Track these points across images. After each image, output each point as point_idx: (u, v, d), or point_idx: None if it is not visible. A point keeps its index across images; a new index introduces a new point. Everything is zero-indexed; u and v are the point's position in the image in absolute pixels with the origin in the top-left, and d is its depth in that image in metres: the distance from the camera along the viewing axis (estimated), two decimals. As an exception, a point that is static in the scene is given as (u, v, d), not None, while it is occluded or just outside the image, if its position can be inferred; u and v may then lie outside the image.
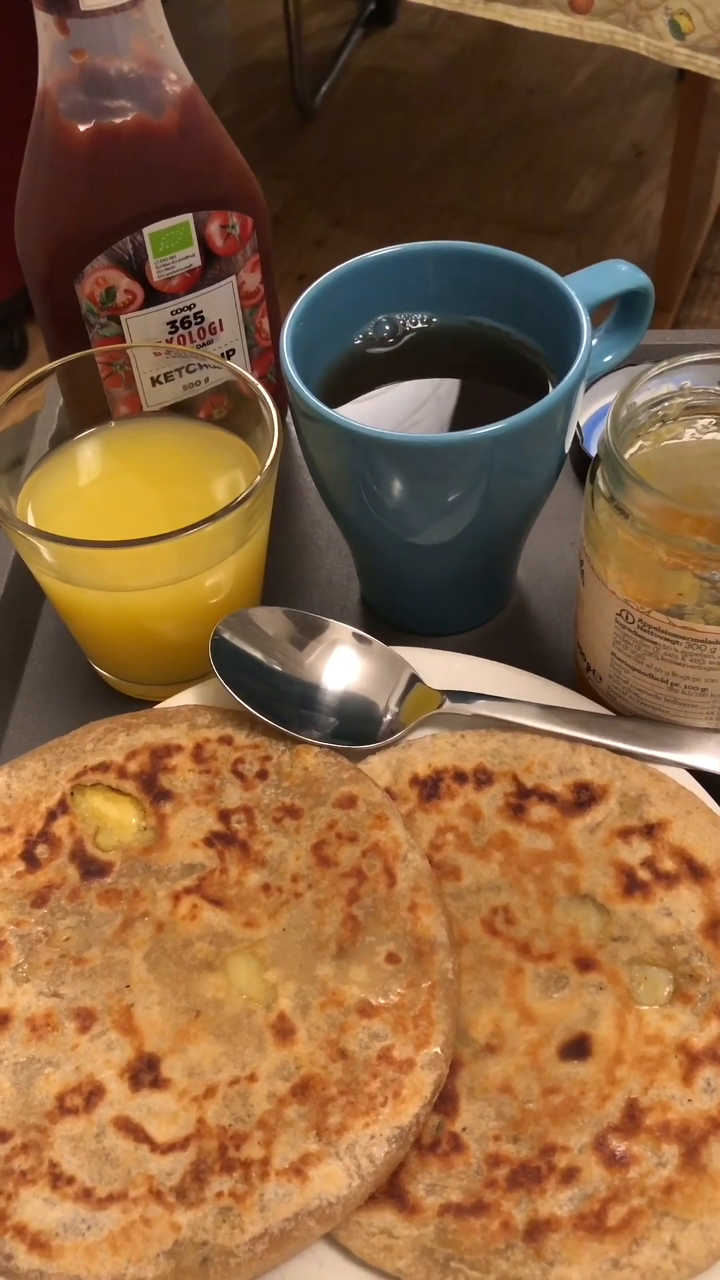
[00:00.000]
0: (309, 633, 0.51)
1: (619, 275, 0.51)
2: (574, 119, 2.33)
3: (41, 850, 0.46)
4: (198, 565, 0.49)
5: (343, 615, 0.58)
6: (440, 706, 0.50)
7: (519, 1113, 0.40)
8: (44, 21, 0.48)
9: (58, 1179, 0.39)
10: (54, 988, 0.43)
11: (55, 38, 0.48)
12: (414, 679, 0.51)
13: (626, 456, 0.45)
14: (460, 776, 0.48)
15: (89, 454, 0.55)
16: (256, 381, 0.51)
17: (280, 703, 0.49)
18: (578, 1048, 0.41)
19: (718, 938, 0.43)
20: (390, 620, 0.58)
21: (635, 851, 0.45)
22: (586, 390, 0.60)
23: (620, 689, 0.49)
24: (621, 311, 0.54)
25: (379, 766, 0.48)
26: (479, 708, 0.49)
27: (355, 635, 0.51)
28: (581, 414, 0.63)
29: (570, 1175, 0.38)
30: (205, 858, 0.46)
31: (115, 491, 0.55)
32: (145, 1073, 0.41)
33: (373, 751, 0.49)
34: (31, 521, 0.51)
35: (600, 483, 0.45)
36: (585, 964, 0.43)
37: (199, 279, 0.55)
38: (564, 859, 0.45)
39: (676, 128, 1.73)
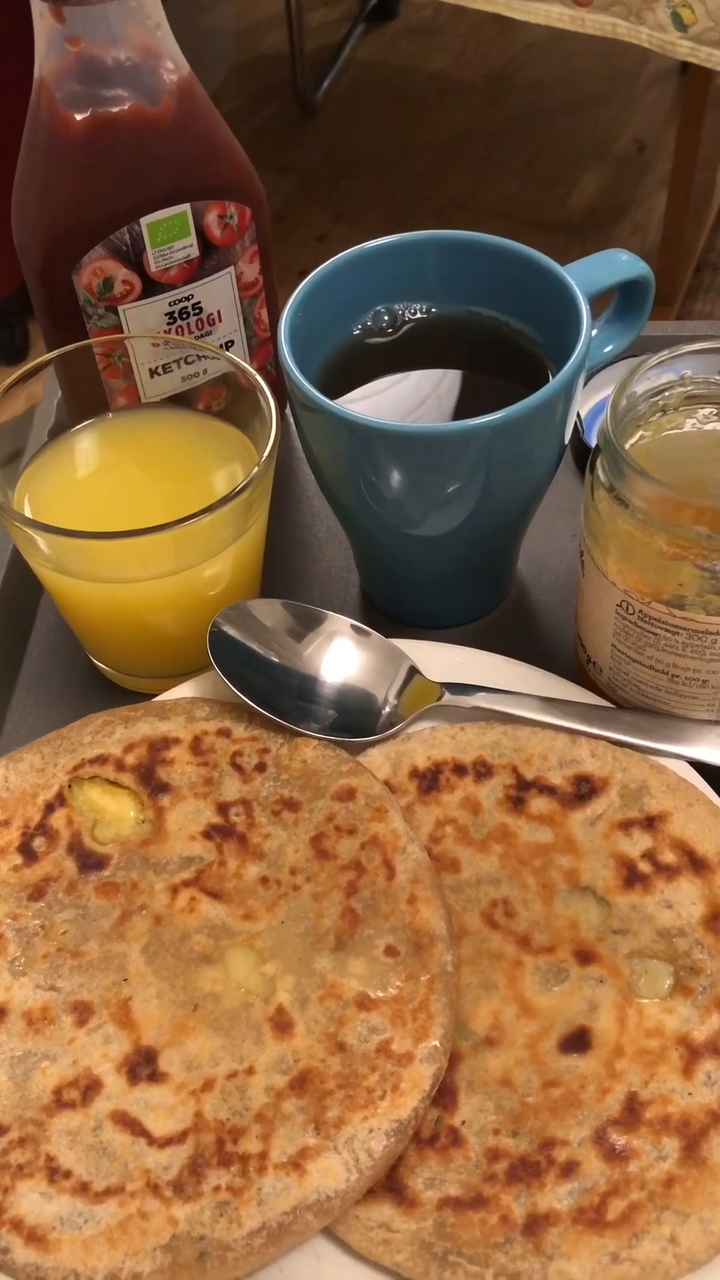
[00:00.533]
0: (307, 625, 0.51)
1: (619, 264, 0.51)
2: (577, 113, 2.32)
3: (39, 843, 0.46)
4: (195, 557, 0.48)
5: (342, 607, 0.58)
6: (440, 699, 0.49)
7: (518, 1106, 0.40)
8: (40, 9, 0.47)
9: (55, 1173, 0.39)
10: (51, 981, 0.43)
11: (51, 25, 0.48)
12: (413, 671, 0.50)
13: (627, 446, 0.44)
14: (460, 769, 0.47)
15: (86, 446, 0.55)
16: (255, 373, 0.51)
17: (279, 695, 0.49)
18: (578, 1041, 0.41)
19: (718, 930, 0.43)
20: (389, 612, 0.58)
21: (636, 844, 0.45)
22: (587, 381, 0.60)
23: (620, 681, 0.49)
24: (622, 301, 0.54)
25: (378, 759, 0.48)
26: (479, 700, 0.49)
27: (354, 627, 0.51)
28: (582, 405, 0.63)
29: (570, 1169, 0.38)
30: (203, 850, 0.45)
31: (113, 483, 0.54)
32: (143, 1066, 0.41)
33: (372, 744, 0.49)
34: (29, 513, 0.51)
35: (600, 473, 0.44)
36: (585, 957, 0.43)
37: (197, 269, 0.55)
38: (564, 851, 0.45)
39: (679, 122, 1.73)
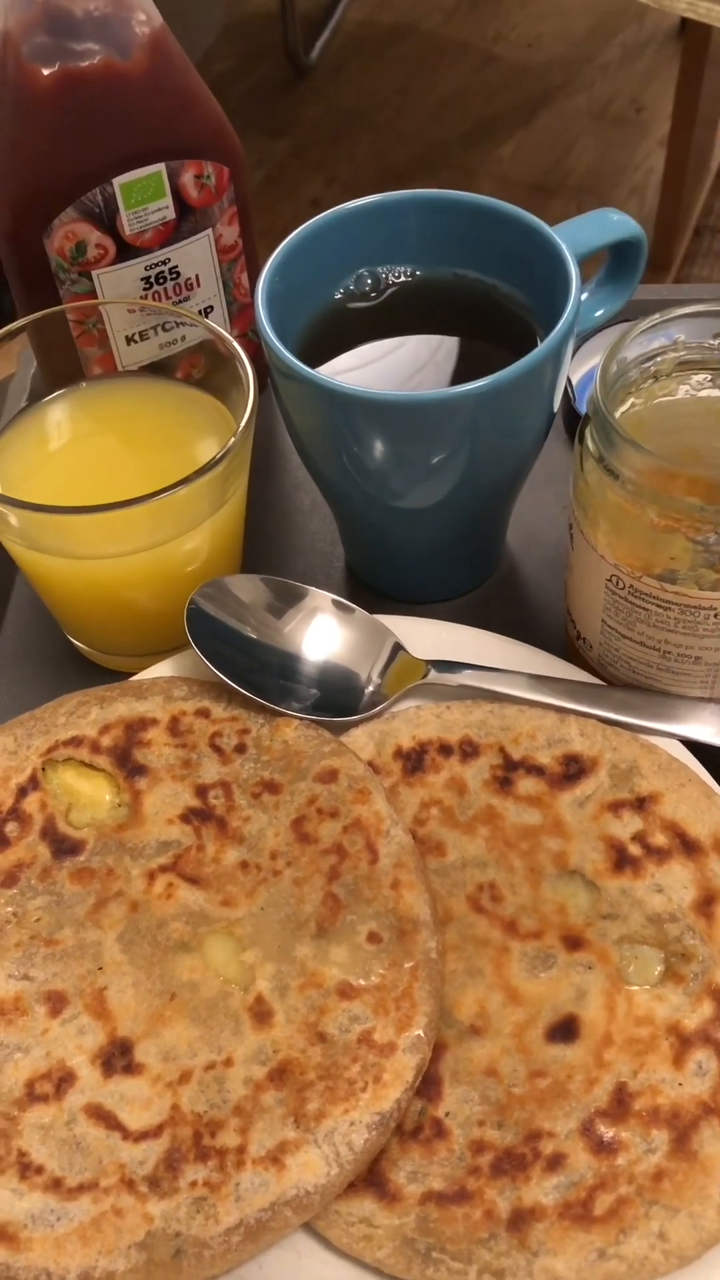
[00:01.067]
0: (288, 601, 0.49)
1: (609, 224, 0.49)
2: (573, 74, 2.28)
3: (11, 828, 0.45)
4: (172, 531, 0.47)
5: (326, 582, 0.56)
6: (425, 676, 0.48)
7: (504, 1097, 0.39)
8: (3, -42, 0.45)
9: (26, 1168, 0.38)
10: (24, 970, 0.41)
11: (15, -25, 0.45)
12: (398, 648, 0.49)
13: (617, 415, 0.42)
14: (445, 749, 0.46)
15: (59, 416, 0.53)
16: (233, 340, 0.49)
17: (259, 674, 0.47)
18: (565, 1029, 0.40)
19: (710, 915, 0.41)
20: (375, 587, 0.56)
21: (626, 826, 0.44)
22: (577, 347, 0.58)
23: (611, 657, 0.47)
24: (613, 263, 0.52)
25: (361, 739, 0.47)
26: (465, 678, 0.48)
27: (336, 603, 0.49)
28: (573, 371, 0.61)
29: (556, 1162, 0.37)
30: (181, 835, 0.44)
31: (87, 455, 0.53)
32: (118, 1058, 0.39)
33: (355, 724, 0.47)
34: (-1, 487, 0.49)
35: (590, 443, 0.43)
36: (573, 942, 0.41)
37: (173, 232, 0.53)
38: (552, 833, 0.44)
39: (677, 82, 1.69)
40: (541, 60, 2.32)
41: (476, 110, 2.23)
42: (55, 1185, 0.37)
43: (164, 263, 0.53)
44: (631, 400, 0.44)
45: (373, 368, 0.50)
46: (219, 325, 0.53)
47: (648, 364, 0.44)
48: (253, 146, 2.11)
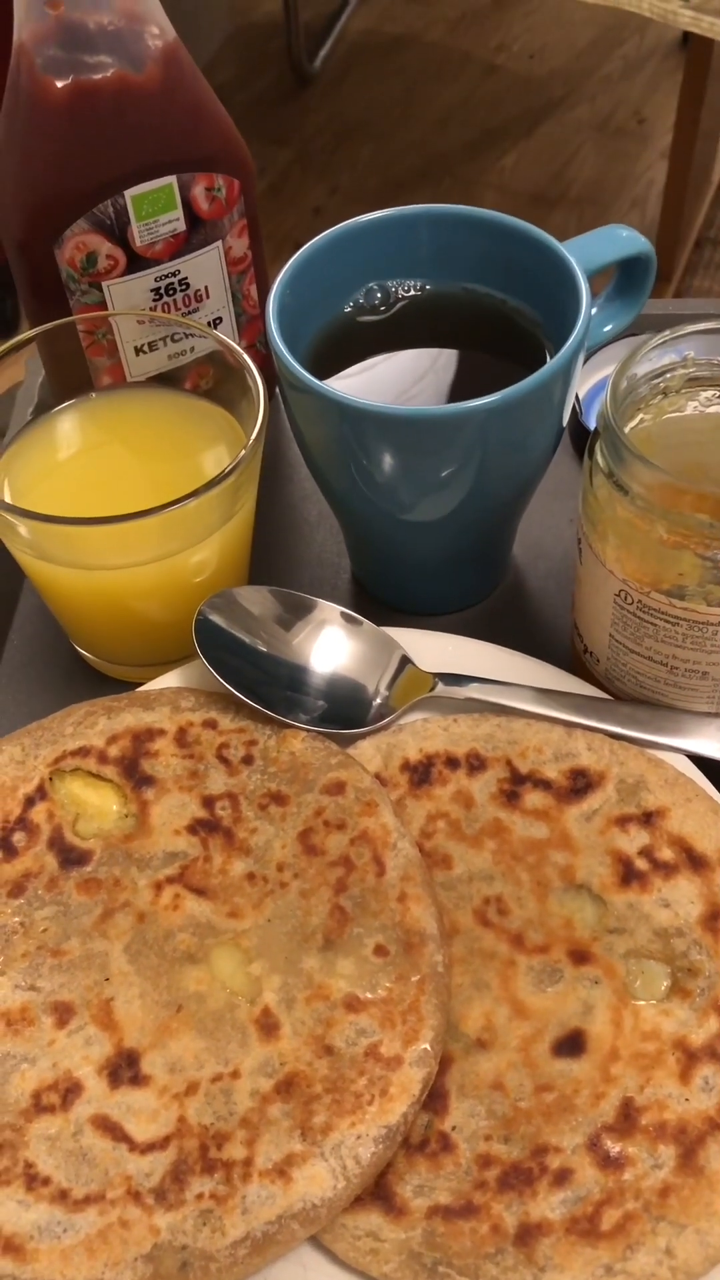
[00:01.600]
0: (296, 613, 0.49)
1: (619, 240, 0.49)
2: (575, 85, 2.29)
3: (19, 838, 0.45)
4: (181, 542, 0.47)
5: (333, 594, 0.56)
6: (432, 689, 0.48)
7: (510, 1111, 0.39)
8: (18, -29, 0.45)
9: (33, 1180, 0.38)
10: (31, 981, 0.41)
11: (30, -12, 0.46)
12: (405, 661, 0.49)
13: (626, 430, 0.43)
14: (452, 762, 0.46)
15: (69, 426, 0.53)
16: (242, 351, 0.49)
17: (267, 685, 0.47)
18: (572, 1044, 0.40)
19: (717, 930, 0.42)
20: (382, 599, 0.57)
21: (633, 840, 0.44)
22: (586, 361, 0.58)
23: (618, 672, 0.47)
24: (622, 279, 0.52)
25: (369, 751, 0.47)
26: (472, 691, 0.48)
27: (344, 615, 0.49)
28: (581, 385, 0.61)
29: (563, 1177, 0.37)
30: (188, 846, 0.44)
31: (96, 466, 0.53)
32: (124, 1069, 0.39)
33: (362, 736, 0.47)
34: (8, 497, 0.49)
35: (599, 458, 0.43)
36: (580, 957, 0.41)
37: (184, 244, 0.53)
38: (559, 847, 0.44)
39: (679, 94, 1.70)
40: (544, 72, 2.32)
41: (479, 121, 2.24)
42: (62, 1197, 0.37)
43: (174, 274, 0.53)
44: (641, 416, 0.44)
45: (382, 381, 0.50)
46: (228, 336, 0.53)
47: (657, 380, 0.44)
48: (255, 155, 2.11)
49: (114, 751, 0.46)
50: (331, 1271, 0.37)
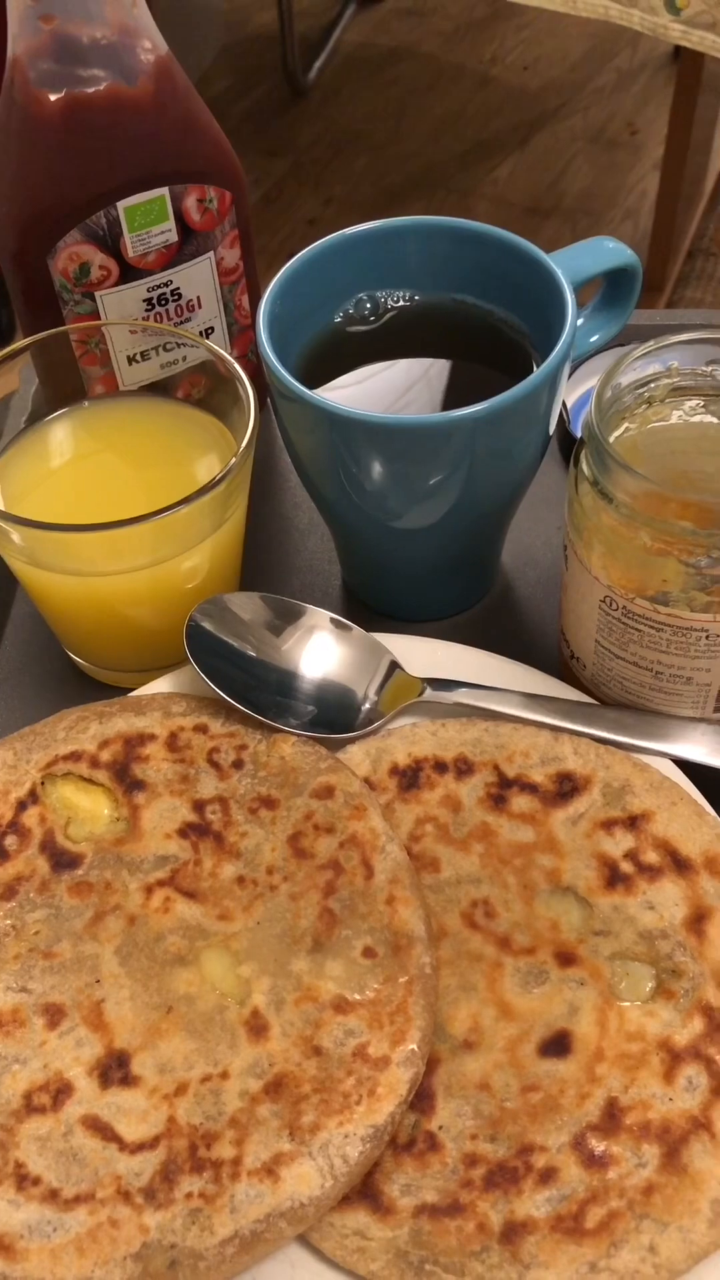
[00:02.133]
0: (287, 618, 0.50)
1: (605, 252, 0.50)
2: (569, 97, 2.30)
3: (10, 841, 0.45)
4: (172, 549, 0.47)
5: (324, 600, 0.57)
6: (421, 695, 0.48)
7: (497, 1111, 0.39)
8: (12, -14, 0.46)
9: (23, 1179, 0.38)
10: (22, 983, 0.42)
11: (24, 2, 0.46)
12: (394, 666, 0.49)
13: (611, 439, 0.43)
14: (440, 766, 0.47)
15: (61, 435, 0.54)
16: (233, 361, 0.50)
17: (257, 690, 0.48)
18: (557, 1044, 0.40)
19: (701, 932, 0.42)
20: (372, 605, 0.57)
21: (618, 843, 0.44)
22: (573, 371, 0.59)
23: (604, 677, 0.48)
24: (608, 290, 0.53)
25: (358, 756, 0.47)
26: (460, 696, 0.48)
27: (334, 621, 0.50)
28: (568, 395, 0.62)
29: (548, 1176, 0.38)
30: (179, 849, 0.45)
31: (88, 473, 0.53)
32: (115, 1070, 0.40)
33: (351, 740, 0.48)
34: (1, 505, 0.50)
35: (584, 466, 0.43)
36: (566, 958, 0.42)
37: (176, 255, 0.53)
38: (545, 851, 0.44)
39: (671, 106, 1.71)
40: (537, 83, 2.34)
41: (473, 132, 2.25)
42: (52, 1196, 0.38)
43: (166, 284, 0.54)
44: (626, 425, 0.45)
45: (371, 390, 0.51)
46: (220, 346, 0.54)
47: (642, 389, 0.45)
48: (250, 166, 2.13)
49: (106, 756, 0.47)
50: (319, 1270, 0.38)
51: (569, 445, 0.62)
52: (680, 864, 0.44)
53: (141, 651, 0.52)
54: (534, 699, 0.48)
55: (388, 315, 0.52)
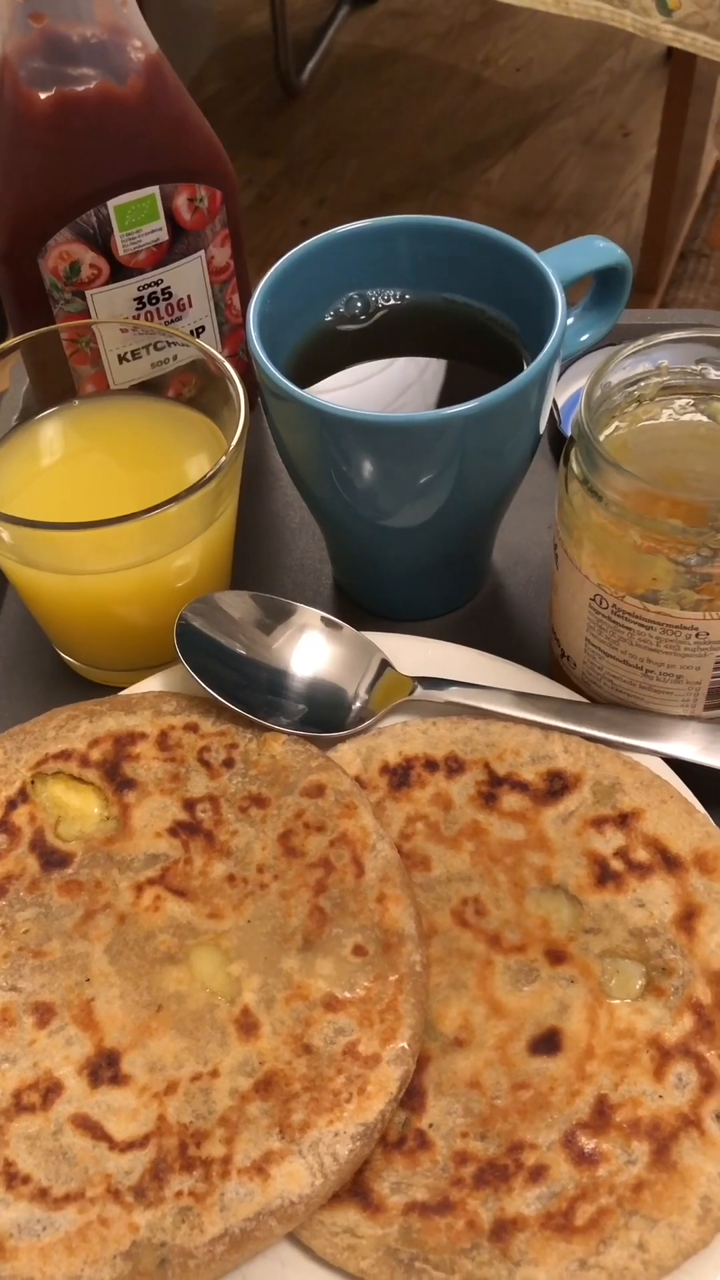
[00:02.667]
0: (277, 617, 0.50)
1: (595, 251, 0.50)
2: (561, 98, 2.30)
3: (0, 840, 0.45)
4: (163, 547, 0.47)
5: (315, 599, 0.57)
6: (412, 693, 0.48)
7: (487, 1109, 0.39)
8: (2, -16, 0.46)
9: (13, 1178, 0.38)
10: (11, 981, 0.42)
11: (14, 0, 0.46)
12: (385, 665, 0.49)
13: (601, 438, 0.43)
14: (431, 765, 0.47)
15: (52, 433, 0.53)
16: (224, 359, 0.50)
17: (248, 689, 0.48)
18: (548, 1042, 0.40)
19: (691, 930, 0.42)
20: (363, 604, 0.57)
21: (608, 841, 0.44)
22: (564, 370, 0.59)
23: (595, 676, 0.48)
24: (598, 289, 0.53)
25: (349, 754, 0.47)
26: (451, 694, 0.48)
27: (325, 620, 0.50)
28: (558, 394, 0.62)
29: (538, 1173, 0.38)
30: (169, 848, 0.45)
31: (79, 472, 0.53)
32: (105, 1069, 0.40)
33: (342, 739, 0.48)
34: (-8, 503, 0.50)
35: (574, 465, 0.44)
36: (556, 956, 0.42)
37: (166, 253, 0.53)
38: (536, 849, 0.44)
39: (664, 107, 1.71)
40: (530, 85, 2.34)
41: (465, 133, 2.25)
42: (41, 1195, 0.38)
43: (157, 283, 0.54)
44: (616, 424, 0.45)
45: (362, 389, 0.51)
46: (210, 345, 0.54)
47: (632, 388, 0.45)
48: (243, 167, 2.13)
49: (96, 755, 0.47)
50: (309, 1268, 0.38)
51: (559, 444, 0.62)
52: (670, 862, 0.44)
53: (132, 650, 0.52)
54: (524, 697, 0.48)
55: (378, 314, 0.53)
